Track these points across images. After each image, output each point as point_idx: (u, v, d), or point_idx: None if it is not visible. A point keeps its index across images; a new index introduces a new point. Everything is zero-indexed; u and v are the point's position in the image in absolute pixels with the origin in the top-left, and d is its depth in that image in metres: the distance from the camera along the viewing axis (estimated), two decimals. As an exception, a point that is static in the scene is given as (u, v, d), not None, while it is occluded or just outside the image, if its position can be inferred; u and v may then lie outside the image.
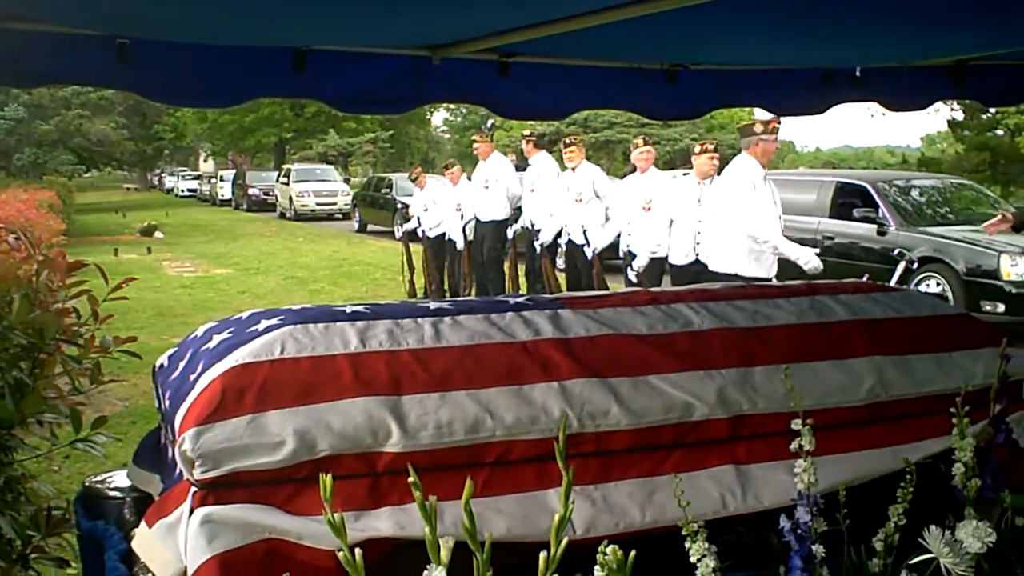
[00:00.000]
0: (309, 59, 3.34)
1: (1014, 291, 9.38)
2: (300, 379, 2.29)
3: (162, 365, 2.71)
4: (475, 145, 11.82)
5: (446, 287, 12.57)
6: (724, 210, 6.74)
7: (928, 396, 2.73)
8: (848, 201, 11.60)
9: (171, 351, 2.73)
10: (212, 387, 2.24)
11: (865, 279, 5.43)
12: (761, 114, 6.79)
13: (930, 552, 2.09)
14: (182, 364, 2.54)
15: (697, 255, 7.86)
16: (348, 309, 2.61)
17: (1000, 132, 32.00)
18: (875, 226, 10.84)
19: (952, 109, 27.67)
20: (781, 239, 6.67)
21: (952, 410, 2.31)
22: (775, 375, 2.57)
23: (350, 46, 3.44)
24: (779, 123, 6.65)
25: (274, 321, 2.48)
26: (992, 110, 31.39)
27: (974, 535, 2.13)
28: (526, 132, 11.40)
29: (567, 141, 10.07)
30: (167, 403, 2.47)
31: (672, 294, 2.98)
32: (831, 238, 11.57)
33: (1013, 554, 2.31)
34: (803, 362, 2.66)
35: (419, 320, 2.55)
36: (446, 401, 2.32)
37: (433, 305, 2.69)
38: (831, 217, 11.68)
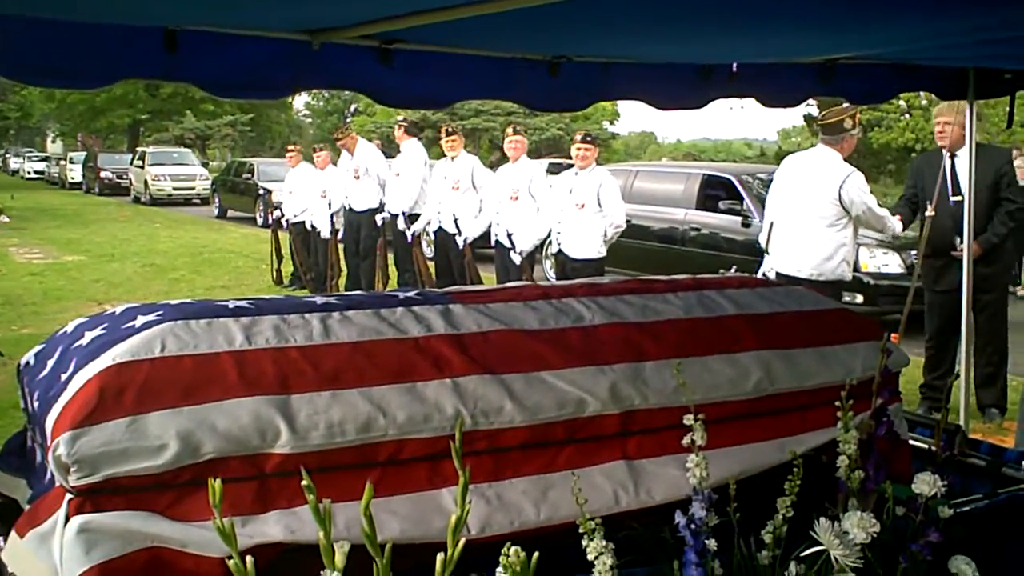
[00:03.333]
0: (181, 39, 3.18)
1: (872, 282, 9.74)
2: (182, 379, 2.17)
3: (28, 363, 2.54)
4: (339, 142, 11.64)
5: (312, 276, 12.39)
6: (810, 211, 6.40)
7: (811, 389, 2.78)
8: (714, 193, 11.88)
9: (37, 348, 2.57)
10: (87, 388, 2.11)
11: (733, 270, 5.54)
12: (817, 107, 6.58)
13: (820, 544, 2.12)
14: (51, 363, 2.39)
15: (560, 246, 7.92)
16: (231, 304, 2.50)
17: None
18: (740, 218, 11.12)
19: (807, 104, 28.63)
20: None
21: (837, 403, 2.36)
22: (665, 370, 2.58)
23: (225, 27, 3.29)
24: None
25: (152, 317, 2.35)
26: (845, 105, 32.63)
27: (859, 526, 2.18)
28: (400, 118, 11.29)
29: (448, 130, 10.03)
30: (35, 404, 2.32)
31: (561, 288, 2.96)
32: (697, 229, 11.83)
33: (894, 543, 2.36)
34: (692, 356, 2.67)
35: (306, 316, 2.46)
36: (337, 400, 2.25)
37: (320, 300, 2.60)
38: (697, 208, 11.95)
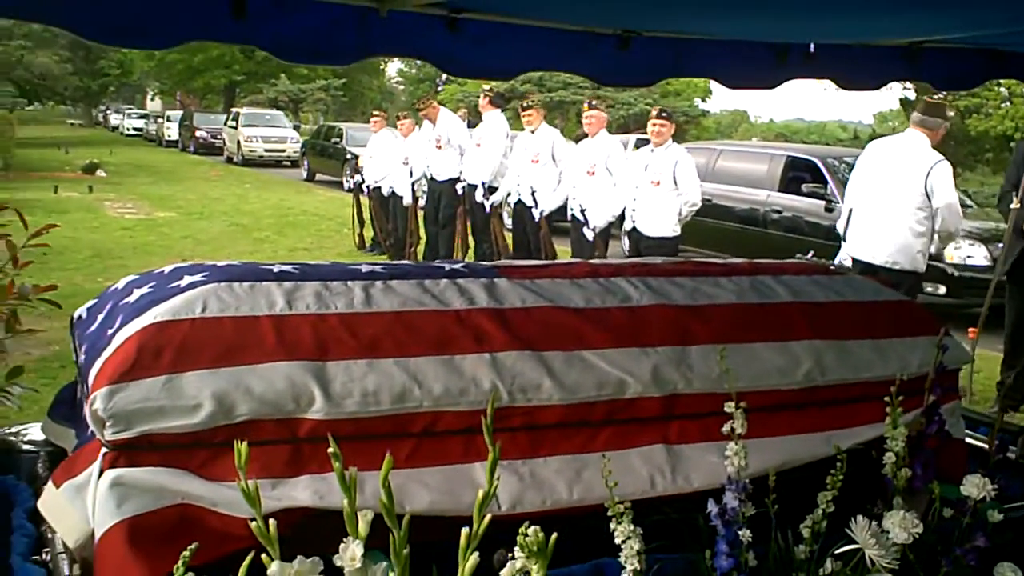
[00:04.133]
0: (250, 3, 3.20)
1: (956, 274, 9.50)
2: (221, 340, 2.19)
3: (80, 317, 2.60)
4: (421, 112, 11.66)
5: (391, 242, 12.48)
6: (893, 196, 6.28)
7: (865, 382, 2.71)
8: (797, 175, 11.67)
9: (91, 303, 2.62)
10: (127, 344, 2.14)
11: (810, 255, 5.42)
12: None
13: (856, 542, 2.07)
14: (100, 317, 2.44)
15: (634, 223, 7.84)
16: (276, 268, 2.52)
17: (951, 114, 32.36)
18: (823, 202, 10.90)
19: (904, 88, 27.93)
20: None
21: (887, 398, 2.29)
22: (711, 355, 2.53)
23: (294, -8, 3.31)
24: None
25: (197, 277, 2.38)
26: (943, 91, 31.69)
27: (901, 526, 2.12)
28: (486, 87, 11.26)
29: (525, 104, 9.99)
30: (83, 357, 2.37)
31: (613, 267, 2.92)
32: (779, 211, 11.63)
33: (939, 545, 2.29)
34: (740, 343, 2.62)
35: (349, 283, 2.46)
36: (373, 368, 2.25)
37: (365, 268, 2.60)
38: (780, 191, 11.74)
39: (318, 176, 27.01)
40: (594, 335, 2.52)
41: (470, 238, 11.24)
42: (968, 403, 5.77)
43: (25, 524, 2.31)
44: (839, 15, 3.51)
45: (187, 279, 2.38)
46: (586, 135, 9.06)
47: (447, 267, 2.70)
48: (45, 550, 2.23)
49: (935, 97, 6.42)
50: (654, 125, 7.74)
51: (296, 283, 2.42)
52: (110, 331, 2.28)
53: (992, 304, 6.81)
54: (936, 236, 6.20)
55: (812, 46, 4.19)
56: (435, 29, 3.53)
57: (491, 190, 10.54)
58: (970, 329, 6.66)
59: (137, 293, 2.40)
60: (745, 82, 4.29)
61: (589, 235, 8.38)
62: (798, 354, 2.67)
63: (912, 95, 28.57)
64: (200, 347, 2.17)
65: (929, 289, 9.23)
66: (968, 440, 3.02)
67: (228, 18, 3.19)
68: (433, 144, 11.33)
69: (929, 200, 6.02)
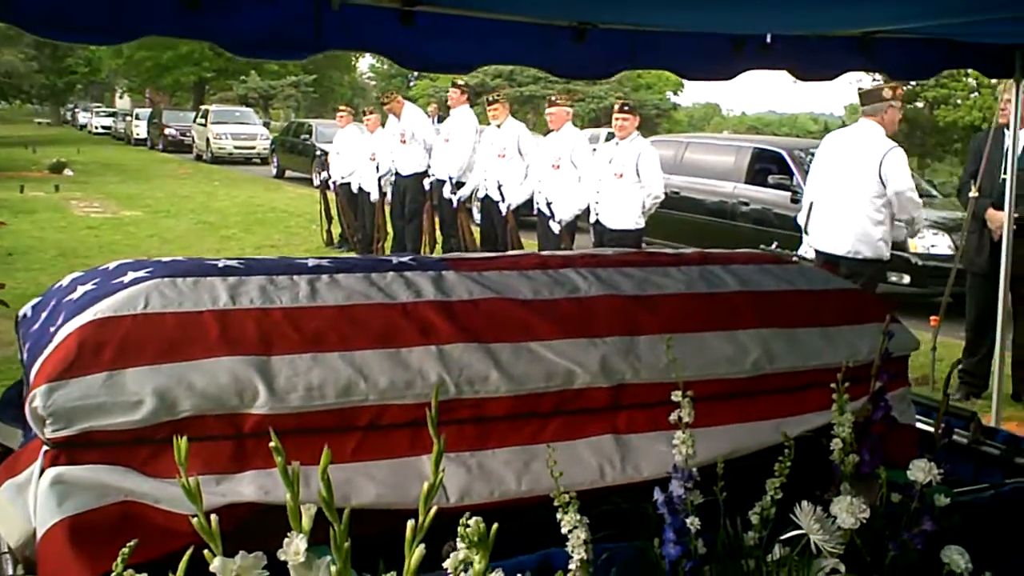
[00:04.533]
0: (203, -2, 3.19)
1: (919, 263, 9.56)
2: (163, 336, 2.18)
3: (25, 315, 2.58)
4: (385, 106, 11.65)
5: (359, 237, 12.45)
6: (850, 186, 6.28)
7: (814, 370, 2.72)
8: (764, 167, 11.72)
9: (35, 300, 2.60)
10: (68, 341, 2.13)
11: (774, 246, 5.45)
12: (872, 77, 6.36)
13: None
14: (44, 315, 2.42)
15: (598, 216, 7.87)
16: (221, 263, 2.51)
17: (920, 104, 32.60)
18: (789, 193, 10.95)
19: (874, 80, 28.08)
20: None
21: (833, 385, 2.31)
22: (659, 345, 2.53)
23: (246, -14, 3.29)
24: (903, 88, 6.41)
25: (141, 273, 2.36)
26: (912, 83, 32.01)
27: (848, 511, 2.13)
28: (460, 82, 11.23)
29: (490, 99, 10.01)
30: (26, 355, 2.35)
31: (562, 258, 2.93)
32: (746, 203, 11.68)
33: (888, 530, 2.31)
34: (689, 332, 2.63)
35: (295, 278, 2.45)
36: (318, 362, 2.24)
37: (312, 262, 2.59)
38: (747, 183, 11.79)
39: (288, 173, 26.87)
40: (542, 326, 2.52)
41: (438, 233, 11.23)
42: (930, 391, 5.82)
43: (-31, 525, 2.28)
44: (794, 6, 3.53)
45: (131, 275, 2.37)
46: (556, 129, 9.07)
47: (395, 260, 2.70)
48: (-11, 550, 2.21)
49: (871, 85, 6.48)
50: (617, 119, 7.77)
51: (241, 278, 2.41)
52: (52, 328, 2.26)
53: (954, 292, 6.86)
54: (896, 224, 6.25)
55: (768, 37, 4.20)
56: (388, 22, 3.51)
57: (458, 185, 10.54)
58: (932, 317, 6.71)
59: (81, 290, 2.38)
60: (702, 73, 4.30)
61: (555, 228, 8.39)
62: (746, 343, 2.69)
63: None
64: (142, 343, 2.16)
65: (893, 278, 9.29)
66: (920, 426, 3.04)
67: (181, 12, 3.17)
68: (398, 139, 11.31)
69: (885, 187, 6.07)
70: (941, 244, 9.66)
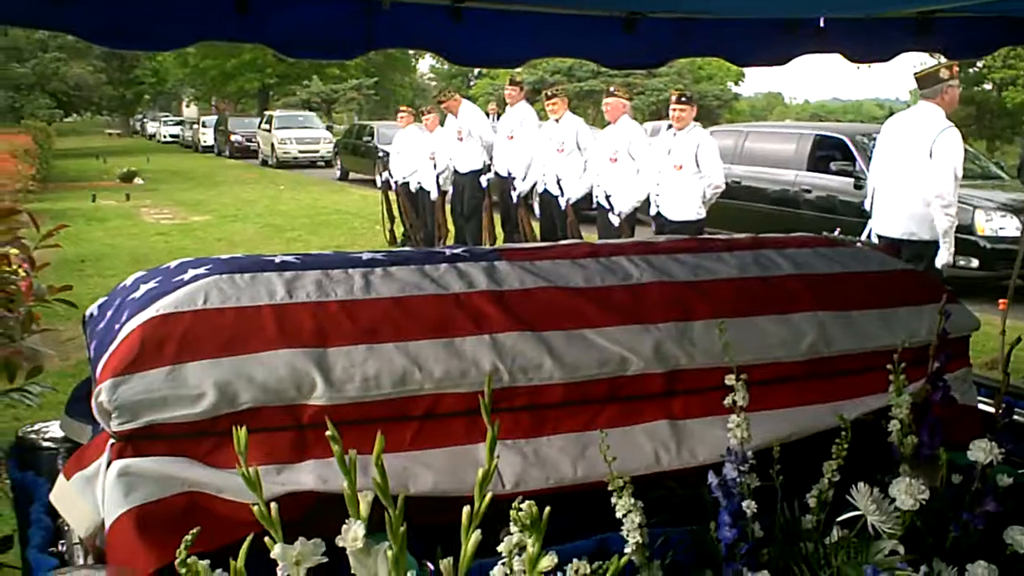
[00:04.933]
0: (252, 0, 3.25)
1: (988, 246, 9.39)
2: (222, 330, 2.23)
3: (92, 314, 2.65)
4: (443, 104, 11.73)
5: (421, 236, 12.55)
6: (907, 168, 6.26)
7: (871, 352, 2.70)
8: (826, 154, 11.59)
9: (101, 300, 2.68)
10: (131, 338, 2.19)
11: (836, 233, 5.39)
12: (927, 58, 6.27)
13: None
14: (109, 313, 2.49)
15: (658, 207, 7.84)
16: (278, 259, 2.56)
17: (987, 86, 31.94)
18: (852, 180, 10.81)
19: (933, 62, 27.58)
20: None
21: (890, 366, 2.29)
22: (713, 329, 2.52)
23: (296, -13, 3.35)
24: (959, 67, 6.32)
25: (201, 271, 2.42)
26: (980, 64, 31.38)
27: (907, 492, 2.11)
28: (516, 79, 11.28)
29: (549, 93, 10.03)
30: (93, 353, 2.42)
31: (613, 246, 2.93)
32: (808, 191, 11.56)
33: (950, 512, 2.29)
34: (742, 316, 2.62)
35: (349, 271, 2.49)
36: (373, 353, 2.28)
37: (365, 256, 2.64)
38: (808, 170, 11.67)
39: (351, 175, 27.19)
40: (594, 314, 2.53)
41: (499, 229, 11.28)
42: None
43: (42, 518, 2.36)
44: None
45: (191, 272, 2.43)
46: (616, 122, 9.05)
47: (447, 252, 2.73)
48: (61, 542, 2.28)
49: (932, 65, 6.37)
50: (674, 110, 7.74)
51: (297, 273, 2.45)
52: (116, 326, 2.32)
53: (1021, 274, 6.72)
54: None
55: (822, 21, 4.17)
56: (438, 19, 3.56)
57: (515, 181, 10.58)
58: (1000, 300, 6.59)
59: (143, 288, 2.44)
60: (755, 59, 4.28)
61: (614, 221, 8.39)
62: (801, 326, 2.67)
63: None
64: (202, 338, 2.21)
65: (961, 262, 9.12)
66: (985, 407, 2.99)
67: (232, 16, 3.24)
68: (455, 136, 11.38)
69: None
70: (1010, 226, 9.47)
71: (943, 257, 6.30)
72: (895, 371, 2.29)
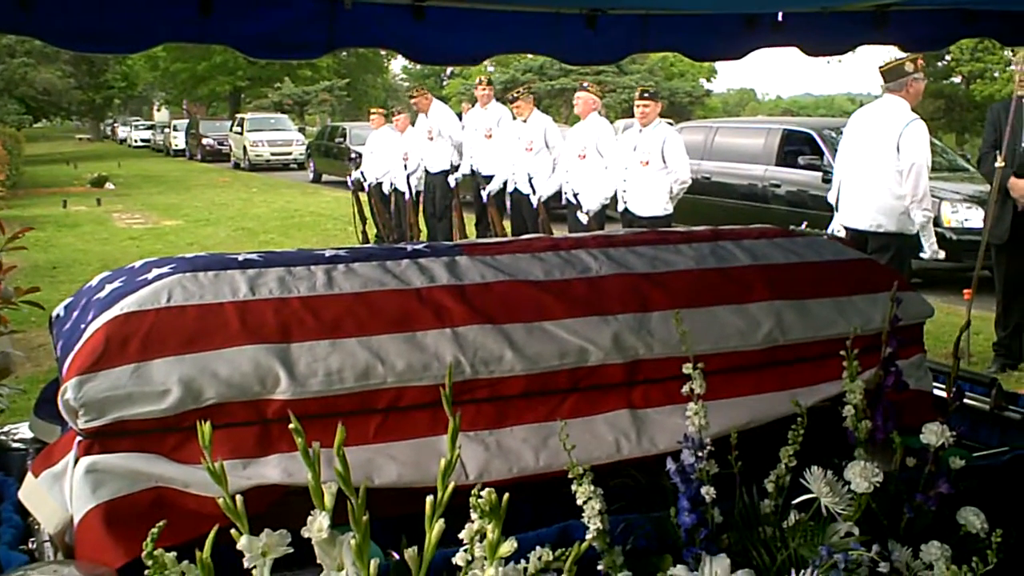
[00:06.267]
0: (216, 1, 3.27)
1: (954, 238, 9.50)
2: (186, 327, 2.26)
3: (58, 315, 2.68)
4: (412, 100, 11.77)
5: (395, 237, 12.55)
6: (873, 160, 6.34)
7: (827, 340, 2.75)
8: (794, 149, 11.69)
9: (67, 301, 2.70)
10: (96, 336, 2.22)
11: (804, 226, 5.46)
12: (893, 51, 6.24)
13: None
14: (75, 313, 2.51)
15: (626, 204, 7.90)
16: (241, 257, 2.59)
17: (956, 80, 32.21)
18: (820, 174, 10.91)
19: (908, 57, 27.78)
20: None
21: (842, 353, 2.34)
22: (672, 320, 2.58)
23: (258, -11, 3.37)
24: (923, 60, 6.39)
25: (164, 269, 2.45)
26: (948, 57, 31.67)
27: (861, 475, 2.16)
28: (488, 79, 11.35)
29: (512, 96, 10.08)
30: (59, 352, 2.45)
31: (573, 240, 2.98)
32: (777, 185, 11.65)
33: (904, 494, 2.34)
34: (700, 307, 2.67)
35: (312, 268, 2.53)
36: (336, 348, 2.31)
37: (328, 253, 2.67)
38: (777, 165, 11.76)
39: (324, 177, 27.14)
40: (554, 306, 2.57)
41: (471, 228, 11.31)
42: (966, 364, 5.80)
43: (12, 516, 2.38)
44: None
45: (155, 271, 2.45)
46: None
47: (409, 248, 2.77)
48: (31, 539, 2.30)
49: (896, 59, 6.46)
50: (638, 106, 7.81)
51: (260, 270, 2.48)
52: (82, 325, 2.35)
53: (988, 265, 6.84)
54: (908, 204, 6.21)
55: (780, 15, 4.22)
56: (400, 18, 3.59)
57: (486, 179, 10.62)
58: (964, 291, 6.69)
59: (108, 288, 2.47)
60: (712, 53, 4.35)
61: (583, 218, 8.44)
62: (758, 315, 2.72)
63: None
64: (166, 335, 2.24)
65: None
66: (941, 393, 3.06)
67: (195, 17, 3.26)
68: (425, 136, 11.42)
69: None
70: (975, 218, 9.58)
71: (927, 251, 6.40)
72: (848, 357, 2.34)
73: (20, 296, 2.93)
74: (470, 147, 11.22)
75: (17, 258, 3.18)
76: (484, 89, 11.37)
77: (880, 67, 6.63)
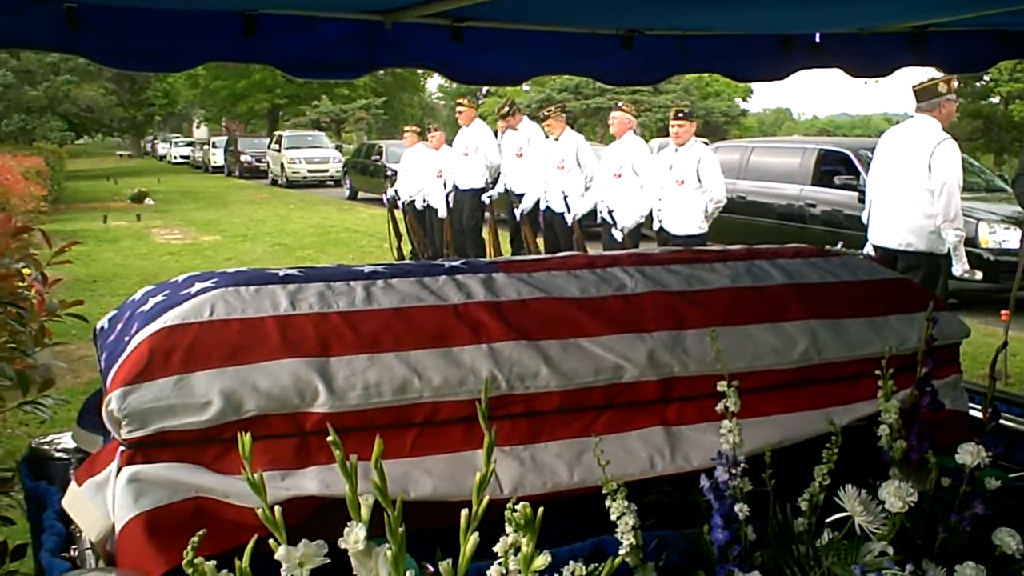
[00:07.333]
0: (259, 22, 3.34)
1: (992, 258, 9.43)
2: (228, 341, 2.30)
3: (102, 328, 2.73)
4: (458, 110, 11.84)
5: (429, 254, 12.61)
6: (903, 180, 6.36)
7: (862, 359, 2.75)
8: (830, 168, 11.65)
9: (111, 313, 2.75)
10: (140, 348, 2.26)
11: (840, 246, 5.45)
12: (929, 73, 6.34)
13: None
14: (119, 326, 2.56)
15: (661, 222, 7.91)
16: (282, 272, 2.63)
17: (995, 100, 31.94)
18: (856, 193, 10.87)
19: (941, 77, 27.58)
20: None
21: (877, 372, 2.35)
22: (707, 338, 2.59)
23: (301, 10, 3.44)
24: (958, 81, 6.35)
25: (207, 284, 2.50)
26: (986, 77, 31.45)
27: (896, 495, 2.16)
28: (513, 99, 11.44)
29: (543, 115, 10.16)
30: (103, 364, 2.50)
31: (609, 258, 3.00)
32: (813, 205, 11.61)
33: (940, 514, 2.34)
34: (735, 325, 2.68)
35: (351, 283, 2.57)
36: (374, 362, 2.34)
37: (367, 269, 2.71)
38: (813, 184, 11.73)
39: (360, 194, 27.32)
40: (590, 323, 2.59)
41: (505, 245, 11.35)
42: (1003, 385, 5.76)
43: (55, 524, 2.43)
44: (839, 2, 3.56)
45: (197, 286, 2.50)
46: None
47: (446, 264, 2.80)
48: (73, 547, 2.35)
49: (931, 79, 6.44)
50: (673, 126, 7.85)
51: (300, 285, 2.52)
52: (126, 338, 2.40)
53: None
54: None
55: (817, 36, 4.24)
56: (439, 39, 3.64)
57: (519, 197, 10.67)
58: (1002, 312, 6.64)
59: (152, 301, 2.52)
60: (753, 74, 4.36)
61: (618, 236, 8.46)
62: (793, 334, 2.73)
63: (955, 83, 28.24)
64: (208, 348, 2.28)
65: (966, 275, 9.17)
66: (974, 413, 3.04)
67: (240, 37, 3.33)
68: (461, 152, 11.48)
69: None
70: (1013, 239, 9.50)
71: (957, 269, 6.37)
72: (883, 377, 2.35)
73: (64, 308, 2.99)
74: (504, 166, 11.29)
75: (61, 272, 3.25)
76: (462, 107, 11.52)
77: (913, 86, 6.61)
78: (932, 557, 2.26)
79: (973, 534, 2.30)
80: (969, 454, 2.33)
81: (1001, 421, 3.03)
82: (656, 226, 8.14)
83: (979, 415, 2.89)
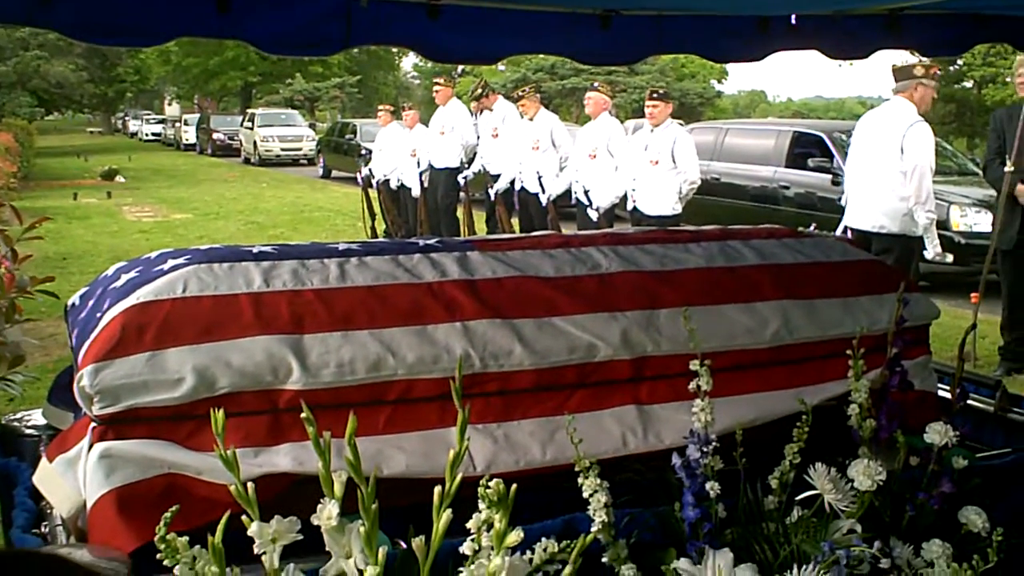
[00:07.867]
0: (233, -2, 3.31)
1: (963, 242, 9.50)
2: (201, 317, 2.30)
3: (73, 304, 2.71)
4: (435, 90, 11.79)
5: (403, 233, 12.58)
6: (877, 162, 6.40)
7: (833, 339, 2.78)
8: (804, 151, 11.69)
9: (83, 290, 2.73)
10: (112, 324, 2.25)
11: (812, 228, 5.48)
12: (909, 55, 6.37)
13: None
14: (91, 303, 2.55)
15: (635, 203, 7.93)
16: (255, 249, 2.62)
17: (968, 84, 32.14)
18: (830, 176, 10.92)
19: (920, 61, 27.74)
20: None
21: (848, 352, 2.37)
22: (680, 317, 2.60)
23: (275, -15, 3.40)
24: (939, 69, 6.38)
25: (180, 260, 2.48)
26: (960, 62, 31.64)
27: (864, 473, 2.19)
28: (485, 80, 11.41)
29: (517, 95, 10.13)
30: (74, 341, 2.48)
31: (584, 237, 3.01)
32: (787, 187, 11.66)
33: (907, 493, 2.37)
34: (708, 305, 2.70)
35: (325, 261, 2.56)
36: (348, 340, 2.34)
37: (341, 246, 2.70)
38: (787, 166, 11.78)
39: (334, 173, 27.18)
40: (564, 302, 2.60)
41: (480, 225, 11.34)
42: (972, 367, 5.81)
43: (26, 501, 2.41)
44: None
45: (170, 262, 2.49)
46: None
47: (421, 242, 2.80)
48: (44, 523, 2.34)
49: (909, 61, 6.48)
50: (649, 106, 7.86)
51: (274, 262, 2.51)
52: (98, 314, 2.38)
53: (995, 270, 6.85)
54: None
55: (793, 18, 4.23)
56: (415, 17, 3.61)
57: (494, 178, 10.65)
58: (972, 295, 6.71)
59: (124, 278, 2.50)
60: (730, 55, 4.35)
61: (593, 216, 8.47)
62: (765, 314, 2.75)
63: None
64: (181, 325, 2.27)
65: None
66: (945, 395, 3.08)
67: (213, 12, 3.29)
68: (437, 131, 11.44)
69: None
70: (984, 222, 9.57)
71: (929, 251, 6.43)
72: (854, 357, 2.37)
73: (35, 285, 2.96)
74: (480, 146, 11.27)
75: (31, 248, 3.22)
76: (439, 87, 11.49)
77: (893, 65, 6.64)
78: (900, 535, 2.29)
79: (940, 512, 2.34)
80: (937, 434, 2.36)
81: (969, 402, 3.07)
82: (630, 206, 8.16)
83: (948, 395, 2.93)
